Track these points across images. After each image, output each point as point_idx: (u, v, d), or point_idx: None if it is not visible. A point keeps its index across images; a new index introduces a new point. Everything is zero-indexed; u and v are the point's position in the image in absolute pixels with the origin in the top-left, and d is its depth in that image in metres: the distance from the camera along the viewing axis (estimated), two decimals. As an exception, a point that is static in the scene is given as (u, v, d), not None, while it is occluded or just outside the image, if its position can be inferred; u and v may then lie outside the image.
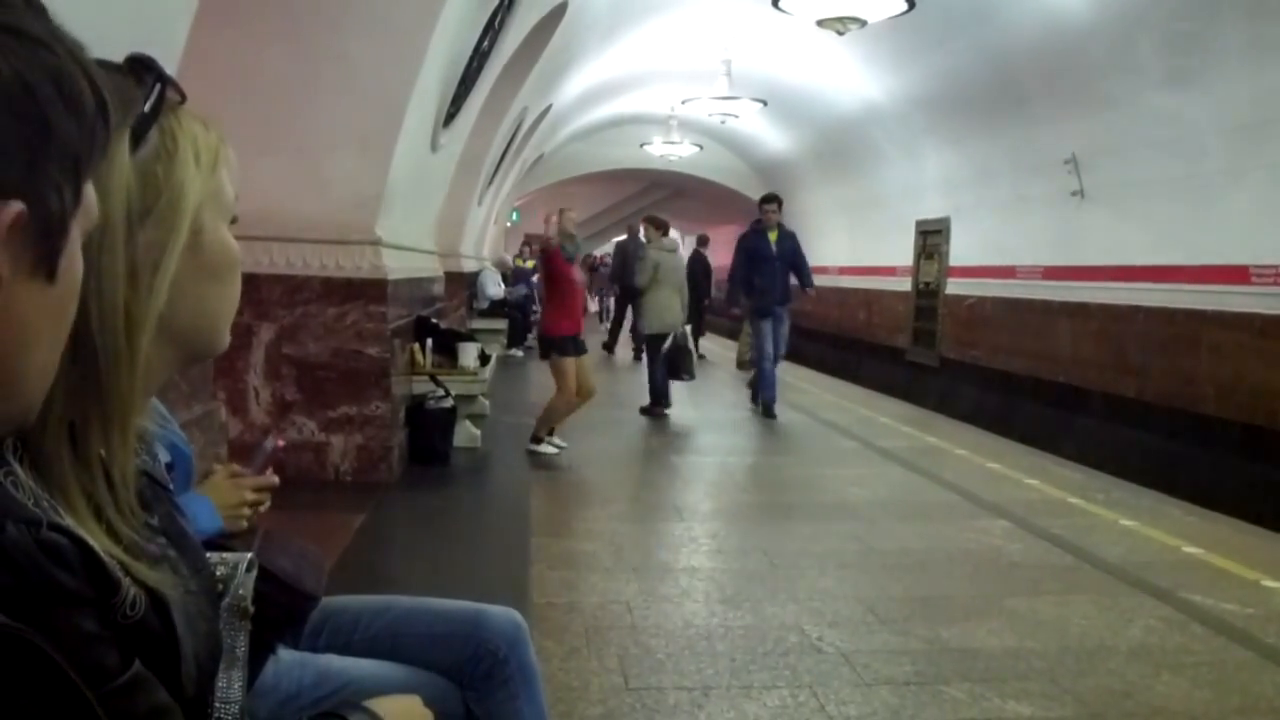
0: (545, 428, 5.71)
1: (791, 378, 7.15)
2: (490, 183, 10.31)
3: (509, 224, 20.28)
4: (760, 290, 7.35)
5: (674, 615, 3.14)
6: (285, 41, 4.00)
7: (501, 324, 11.16)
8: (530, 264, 14.35)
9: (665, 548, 3.94)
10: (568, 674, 2.63)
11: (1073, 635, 3.01)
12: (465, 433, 5.52)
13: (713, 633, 2.99)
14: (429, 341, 5.49)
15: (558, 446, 5.69)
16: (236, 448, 3.88)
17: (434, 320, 5.79)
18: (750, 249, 7.42)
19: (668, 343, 7.25)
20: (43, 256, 0.49)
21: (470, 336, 6.09)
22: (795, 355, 9.97)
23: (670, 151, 16.54)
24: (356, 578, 3.35)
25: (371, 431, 4.58)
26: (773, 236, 7.38)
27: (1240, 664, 2.82)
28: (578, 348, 5.73)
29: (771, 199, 7.60)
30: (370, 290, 4.54)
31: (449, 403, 5.21)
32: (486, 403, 6.08)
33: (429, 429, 5.10)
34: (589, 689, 2.55)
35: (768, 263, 7.30)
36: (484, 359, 5.79)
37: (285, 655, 1.19)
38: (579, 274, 6.33)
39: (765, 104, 12.56)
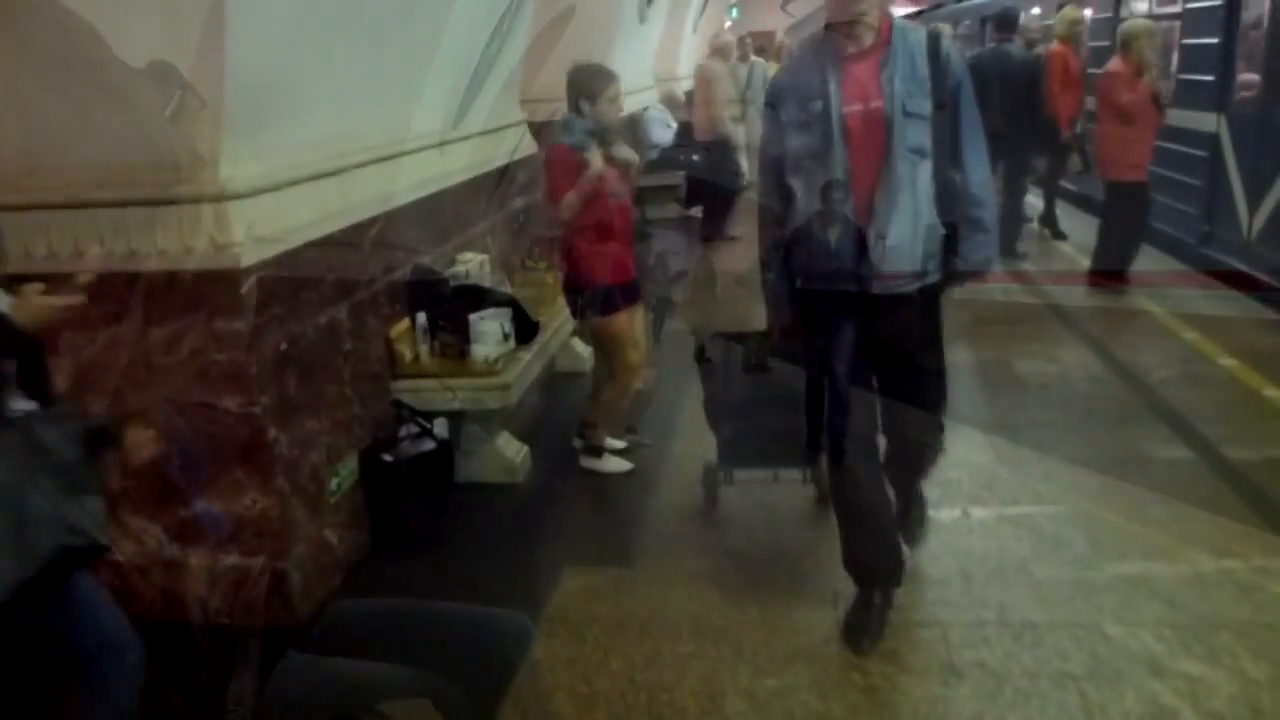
0: (610, 428, 4.51)
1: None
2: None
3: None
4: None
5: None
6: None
7: (676, 179, 8.09)
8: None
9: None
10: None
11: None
12: (473, 434, 5.48)
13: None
14: (426, 321, 4.29)
15: (628, 445, 4.56)
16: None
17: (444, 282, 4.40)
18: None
19: None
20: None
21: (492, 299, 4.30)
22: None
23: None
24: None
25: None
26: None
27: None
28: (627, 296, 4.14)
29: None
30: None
31: (456, 405, 5.04)
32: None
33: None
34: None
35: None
36: (506, 336, 4.31)
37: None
38: (618, 183, 4.18)
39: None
